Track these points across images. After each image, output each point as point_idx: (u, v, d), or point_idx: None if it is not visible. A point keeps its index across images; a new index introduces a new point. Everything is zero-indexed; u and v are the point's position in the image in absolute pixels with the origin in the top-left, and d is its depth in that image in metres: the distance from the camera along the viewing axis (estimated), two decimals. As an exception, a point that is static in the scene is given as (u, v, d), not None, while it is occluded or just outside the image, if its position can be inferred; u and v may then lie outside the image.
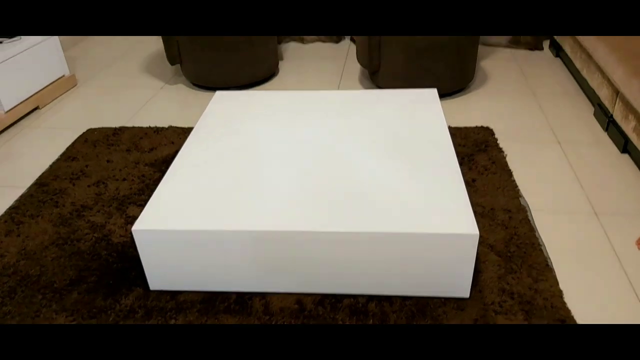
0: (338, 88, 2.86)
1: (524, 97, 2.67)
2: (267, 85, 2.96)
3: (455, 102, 2.65)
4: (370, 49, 2.59)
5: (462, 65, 2.58)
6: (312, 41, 3.56)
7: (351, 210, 1.41)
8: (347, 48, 3.43)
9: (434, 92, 2.06)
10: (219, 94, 2.15)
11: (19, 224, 1.84)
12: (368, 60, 2.65)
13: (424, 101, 2.00)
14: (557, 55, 3.11)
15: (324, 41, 3.54)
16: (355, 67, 3.12)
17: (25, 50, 2.66)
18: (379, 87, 2.78)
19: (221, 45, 2.70)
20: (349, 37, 3.58)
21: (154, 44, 3.68)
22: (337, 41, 3.53)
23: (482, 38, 3.33)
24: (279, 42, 3.13)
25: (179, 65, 3.17)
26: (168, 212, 1.44)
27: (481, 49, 3.28)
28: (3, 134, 2.56)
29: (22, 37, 2.73)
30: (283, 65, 3.20)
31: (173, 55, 2.85)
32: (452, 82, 2.61)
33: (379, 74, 2.70)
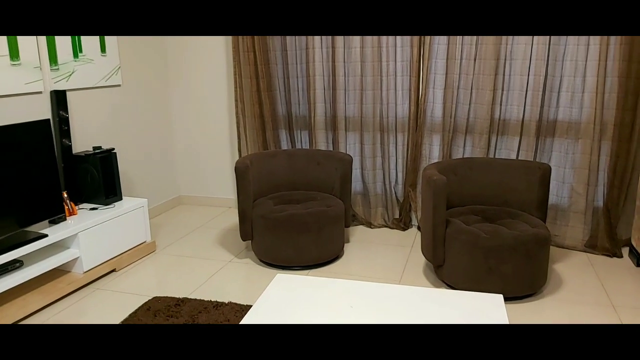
0: (401, 278, 2.82)
1: (602, 309, 2.46)
2: (331, 267, 2.99)
3: (524, 307, 2.49)
4: (435, 243, 2.60)
5: (533, 269, 2.48)
6: (380, 226, 3.65)
7: None
8: (413, 237, 3.46)
9: (499, 299, 1.96)
10: (279, 277, 2.18)
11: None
12: (432, 255, 2.63)
13: (487, 308, 1.89)
14: (637, 265, 2.92)
15: (391, 227, 3.62)
16: (421, 257, 3.10)
17: (116, 217, 2.95)
18: (444, 281, 2.70)
19: (291, 227, 2.84)
20: (417, 225, 3.64)
21: (232, 218, 3.95)
22: (404, 229, 3.59)
23: (556, 240, 3.25)
24: (347, 226, 3.24)
25: (250, 241, 3.33)
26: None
27: (555, 251, 3.17)
28: (77, 292, 2.71)
29: (115, 204, 3.06)
30: (349, 248, 3.26)
31: (246, 232, 3.01)
32: (522, 285, 2.49)
33: (443, 269, 2.65)
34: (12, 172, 2.49)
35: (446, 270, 2.63)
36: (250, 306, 2.49)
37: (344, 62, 3.49)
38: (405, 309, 1.91)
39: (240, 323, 1.78)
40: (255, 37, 3.56)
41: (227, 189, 4.23)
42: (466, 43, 3.20)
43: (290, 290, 2.06)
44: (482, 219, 2.75)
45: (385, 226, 3.65)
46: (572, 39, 3.00)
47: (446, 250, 2.60)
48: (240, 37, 3.61)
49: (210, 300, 2.54)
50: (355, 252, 3.20)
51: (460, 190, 2.97)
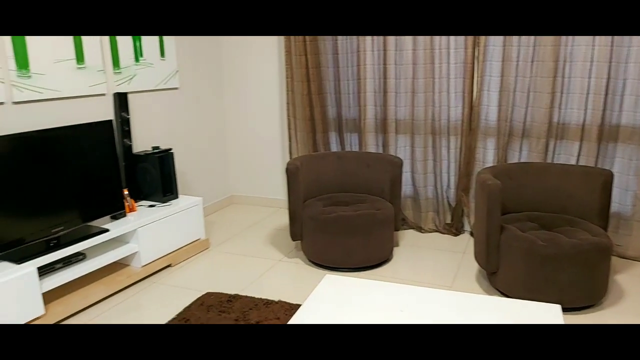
0: (452, 284, 2.77)
1: (671, 324, 2.32)
2: (379, 270, 2.98)
3: (582, 319, 2.38)
4: (489, 250, 2.54)
5: (592, 279, 2.37)
6: (430, 231, 3.59)
7: None
8: (465, 242, 3.39)
9: (556, 309, 1.89)
10: (328, 277, 2.20)
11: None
12: (486, 261, 2.57)
13: (544, 318, 1.83)
14: None
15: (442, 232, 3.56)
16: (473, 264, 3.04)
17: (173, 214, 3.06)
18: (497, 289, 2.63)
19: (340, 229, 2.85)
20: (469, 231, 3.56)
21: (282, 218, 4.01)
22: (456, 234, 3.52)
23: (618, 250, 3.09)
24: (396, 229, 3.21)
25: (299, 241, 3.37)
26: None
27: (616, 261, 3.02)
28: (135, 285, 2.83)
29: (172, 202, 3.17)
30: (398, 252, 3.24)
31: (295, 232, 3.05)
32: (580, 296, 2.38)
33: (497, 276, 2.58)
34: (77, 170, 2.63)
35: (500, 277, 2.56)
36: (300, 305, 2.52)
37: (395, 64, 3.47)
38: (458, 315, 1.88)
39: (290, 322, 1.81)
40: (307, 40, 3.61)
41: (277, 190, 4.30)
42: (523, 45, 3.11)
43: (340, 291, 2.07)
44: (539, 226, 2.66)
45: (436, 231, 3.60)
46: (636, 39, 2.85)
47: (500, 257, 2.53)
48: (292, 41, 3.67)
49: (261, 298, 2.59)
50: (405, 256, 3.17)
51: (516, 195, 2.89)
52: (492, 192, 2.46)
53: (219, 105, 4.23)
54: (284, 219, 3.98)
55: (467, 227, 3.60)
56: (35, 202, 2.42)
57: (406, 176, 3.67)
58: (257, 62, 4.07)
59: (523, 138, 3.25)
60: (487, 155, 3.41)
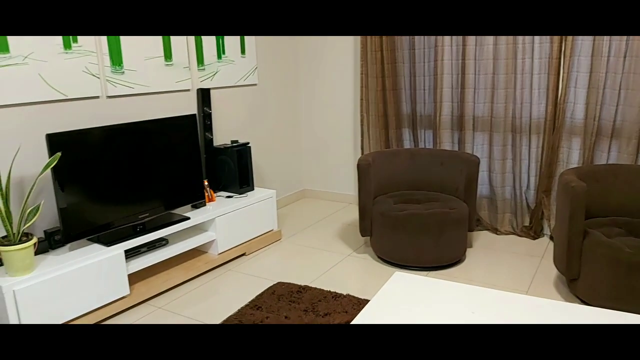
0: (528, 289, 2.66)
1: None
2: (451, 270, 2.92)
3: (677, 334, 2.19)
4: (570, 255, 2.40)
5: (688, 293, 2.18)
6: (506, 233, 3.46)
7: None
8: (544, 246, 3.23)
9: (644, 320, 1.76)
10: (397, 274, 2.19)
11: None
12: (566, 267, 2.44)
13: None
14: None
15: (519, 235, 3.42)
16: (552, 269, 2.89)
17: (248, 205, 3.18)
18: (577, 296, 2.49)
19: (411, 226, 2.82)
20: (549, 234, 3.39)
21: (352, 214, 4.03)
22: (534, 237, 3.37)
23: None
24: (470, 230, 3.12)
25: (369, 237, 3.37)
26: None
27: None
28: (212, 272, 2.98)
29: (248, 193, 3.29)
30: (471, 253, 3.15)
31: (365, 228, 3.06)
32: (674, 310, 2.20)
33: (577, 283, 2.44)
34: (163, 161, 2.80)
35: (581, 284, 2.42)
36: (367, 300, 2.53)
37: (475, 59, 3.36)
38: (534, 320, 1.80)
39: (359, 316, 1.82)
40: (384, 36, 3.59)
41: (348, 185, 4.32)
42: (615, 39, 2.90)
43: (409, 289, 2.06)
44: (626, 232, 2.48)
45: (513, 233, 3.46)
46: None
47: (582, 263, 2.39)
48: (368, 37, 3.66)
49: (330, 291, 2.63)
50: (478, 258, 3.08)
51: (602, 199, 2.71)
52: (576, 195, 2.33)
53: (294, 101, 4.32)
54: (354, 214, 4.00)
55: (546, 231, 3.43)
56: (124, 190, 2.61)
57: (482, 175, 3.55)
58: (333, 59, 4.11)
59: (612, 138, 3.04)
60: (571, 156, 3.22)
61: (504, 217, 3.51)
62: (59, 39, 2.49)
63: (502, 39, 3.22)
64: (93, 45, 2.65)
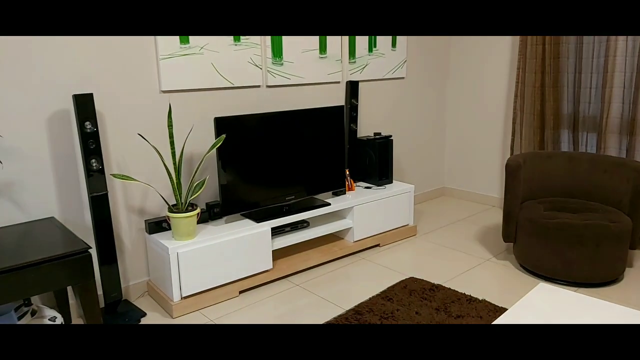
0: (702, 323, 2.29)
1: None
2: (604, 289, 2.63)
3: None
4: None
5: None
6: (680, 257, 3.01)
7: None
8: None
9: None
10: (542, 286, 2.04)
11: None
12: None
13: None
14: None
15: (696, 261, 2.95)
16: None
17: (386, 197, 3.21)
18: None
19: (562, 237, 2.60)
20: None
21: (494, 217, 3.83)
22: None
23: None
24: (632, 248, 2.77)
25: (512, 244, 3.19)
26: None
27: None
28: (347, 258, 3.08)
29: (386, 186, 3.32)
30: (630, 273, 2.80)
31: (509, 233, 2.90)
32: None
33: None
34: (311, 148, 2.96)
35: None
36: (505, 309, 2.41)
37: (658, 56, 2.95)
38: None
39: (494, 323, 1.75)
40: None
41: (493, 187, 4.11)
42: None
43: (554, 304, 1.91)
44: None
45: (687, 257, 2.99)
46: None
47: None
48: (530, 30, 3.42)
49: (464, 293, 2.55)
50: (639, 280, 2.74)
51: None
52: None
53: (441, 95, 4.22)
54: (496, 218, 3.80)
55: None
56: (275, 172, 2.82)
57: (654, 188, 3.12)
58: (486, 52, 3.92)
59: None
60: None
61: (679, 238, 3.04)
62: (229, 32, 2.76)
63: (696, 32, 2.78)
64: (258, 39, 2.88)
